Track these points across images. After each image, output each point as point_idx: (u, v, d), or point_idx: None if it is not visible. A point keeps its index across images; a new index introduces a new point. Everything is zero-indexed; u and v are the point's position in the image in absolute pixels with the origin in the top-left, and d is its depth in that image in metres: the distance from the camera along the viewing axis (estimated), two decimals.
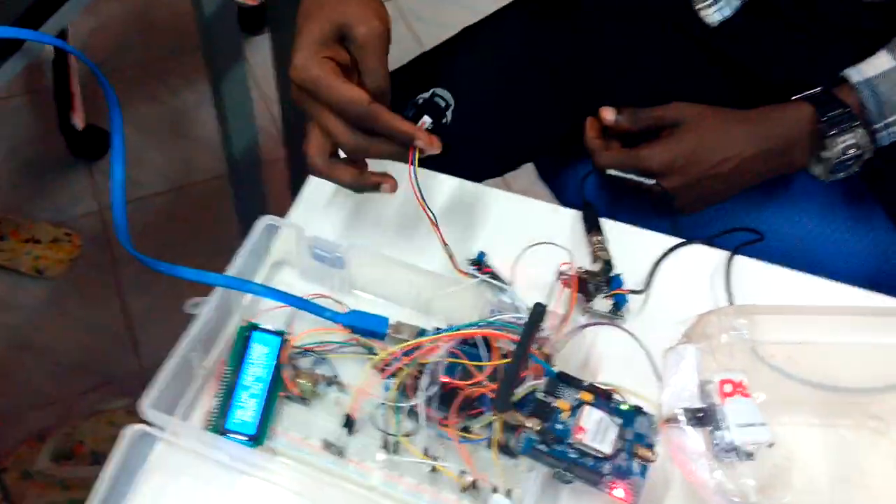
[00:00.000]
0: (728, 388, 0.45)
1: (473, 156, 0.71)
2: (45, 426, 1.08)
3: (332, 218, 0.59)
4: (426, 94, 0.51)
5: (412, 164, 0.48)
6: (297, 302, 0.52)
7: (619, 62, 0.72)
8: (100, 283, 1.27)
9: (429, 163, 0.51)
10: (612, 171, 0.64)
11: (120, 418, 1.10)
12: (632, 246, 0.58)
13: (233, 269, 0.52)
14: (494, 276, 0.54)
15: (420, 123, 0.50)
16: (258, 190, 1.07)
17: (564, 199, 0.77)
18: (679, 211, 0.66)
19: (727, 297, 0.55)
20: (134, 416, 0.49)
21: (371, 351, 0.51)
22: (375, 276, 0.54)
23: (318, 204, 0.60)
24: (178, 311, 1.28)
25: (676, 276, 0.57)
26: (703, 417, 0.44)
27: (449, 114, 0.51)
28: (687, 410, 0.44)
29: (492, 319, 0.48)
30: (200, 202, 1.40)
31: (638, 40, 0.72)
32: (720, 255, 0.58)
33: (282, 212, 1.34)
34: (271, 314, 0.53)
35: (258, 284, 0.51)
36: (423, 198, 0.48)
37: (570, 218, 0.60)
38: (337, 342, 0.52)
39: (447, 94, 0.52)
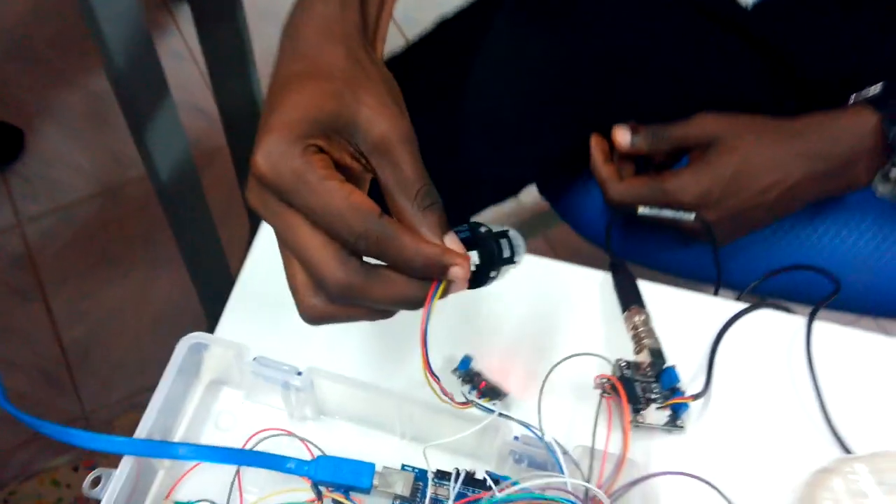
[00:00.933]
0: None
1: (464, 189, 0.56)
2: None
3: (281, 323, 0.44)
4: (495, 228, 0.33)
5: (430, 301, 0.31)
6: (244, 458, 0.37)
7: (632, 58, 0.57)
8: (26, 312, 1.10)
9: None
10: (643, 210, 0.50)
11: (65, 476, 0.95)
12: (680, 317, 0.45)
13: (152, 411, 0.37)
14: (493, 389, 0.41)
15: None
16: (196, 202, 0.90)
17: (571, 220, 0.63)
18: (714, 244, 0.53)
19: (812, 384, 0.42)
20: (80, 473, 0.36)
21: None
22: (349, 400, 0.40)
23: (263, 294, 0.45)
24: (122, 339, 1.09)
25: (743, 360, 0.44)
26: None
27: (502, 272, 0.34)
28: None
29: (526, 490, 0.34)
30: (134, 205, 1.22)
31: (655, 29, 0.57)
32: (792, 322, 0.45)
33: (227, 215, 1.16)
34: (209, 467, 0.39)
35: (186, 445, 0.36)
36: (427, 351, 0.32)
37: (597, 283, 0.46)
38: (303, 500, 0.38)
39: (520, 246, 0.34)
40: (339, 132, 0.31)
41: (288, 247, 0.32)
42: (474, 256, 0.32)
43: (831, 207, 0.59)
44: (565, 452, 0.36)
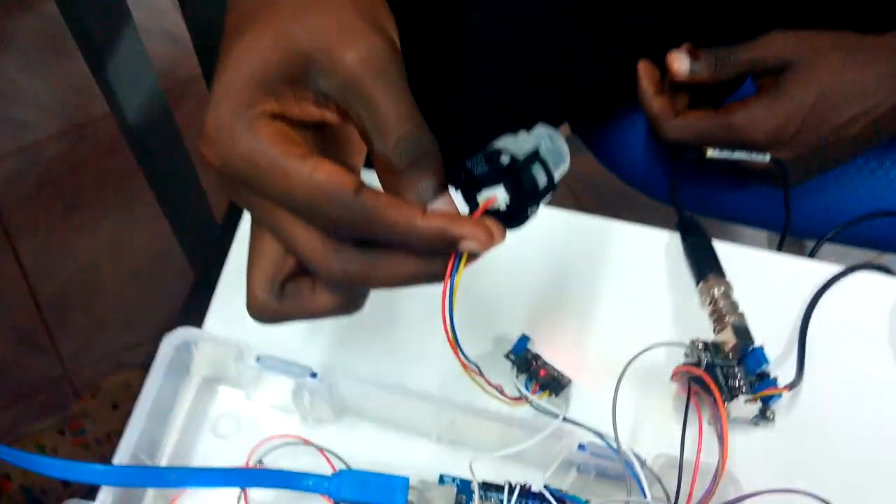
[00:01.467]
0: None
1: (480, 129, 0.47)
2: None
3: None
4: (520, 149, 0.25)
5: (450, 278, 0.24)
6: (250, 478, 0.31)
7: None
8: None
9: None
10: (712, 153, 0.42)
11: (51, 440, 0.89)
12: (759, 283, 0.37)
13: (133, 434, 0.30)
14: (554, 380, 0.34)
15: (483, 203, 0.25)
16: (169, 139, 0.80)
17: (609, 162, 0.55)
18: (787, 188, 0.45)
19: None
20: (67, 437, 0.31)
21: None
22: (374, 402, 0.33)
23: None
24: (102, 292, 1.00)
25: (837, 335, 0.37)
26: None
27: (544, 201, 0.26)
28: None
29: None
30: (104, 143, 1.11)
31: None
32: (887, 284, 0.38)
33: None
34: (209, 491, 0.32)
35: (178, 470, 0.29)
36: (456, 340, 0.25)
37: (662, 244, 0.39)
38: None
39: (560, 158, 0.25)
40: (294, 81, 0.24)
41: (272, 235, 0.26)
42: (501, 194, 0.25)
43: None
44: (644, 464, 0.30)
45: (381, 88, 0.24)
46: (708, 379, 0.31)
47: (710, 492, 0.28)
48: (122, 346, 0.97)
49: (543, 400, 0.33)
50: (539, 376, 0.33)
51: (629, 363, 0.30)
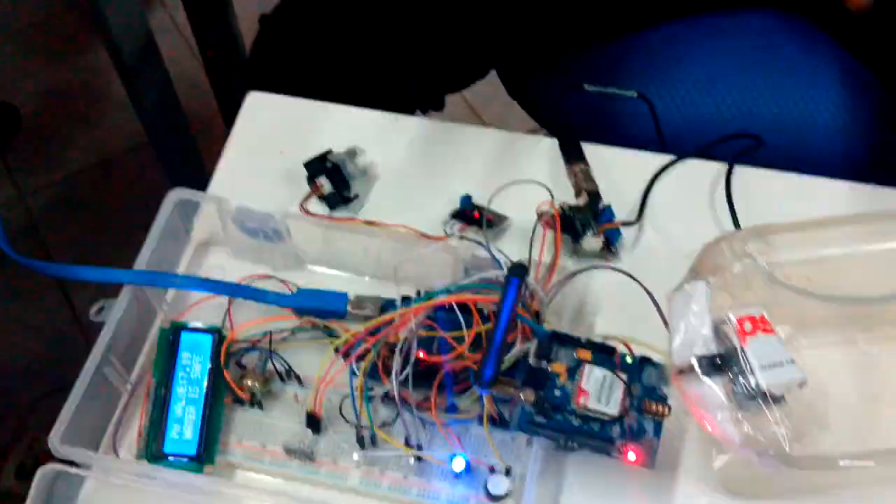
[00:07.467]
0: (748, 325, 0.38)
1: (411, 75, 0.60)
2: (2, 442, 1.00)
3: (266, 179, 0.50)
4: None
5: None
6: (229, 289, 0.43)
7: None
8: (34, 280, 1.16)
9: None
10: (589, 87, 0.55)
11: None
12: (619, 170, 0.50)
13: (142, 260, 0.43)
14: (495, 219, 0.47)
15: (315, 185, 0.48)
16: (190, 156, 0.96)
17: (540, 117, 0.68)
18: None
19: (730, 217, 0.48)
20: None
21: (332, 333, 0.44)
22: (325, 247, 0.46)
23: (247, 164, 0.51)
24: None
25: (672, 199, 0.49)
26: (721, 364, 0.38)
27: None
28: (702, 358, 0.38)
29: (467, 282, 0.40)
30: (132, 173, 1.28)
31: None
32: (717, 168, 0.51)
33: None
34: (204, 308, 0.45)
35: (176, 276, 0.42)
36: None
37: (550, 148, 0.52)
38: (288, 328, 0.44)
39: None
40: None
41: None
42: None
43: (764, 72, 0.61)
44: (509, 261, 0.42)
45: None
46: (552, 205, 0.43)
47: (551, 268, 0.40)
48: None
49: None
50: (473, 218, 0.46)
51: (493, 194, 0.43)
